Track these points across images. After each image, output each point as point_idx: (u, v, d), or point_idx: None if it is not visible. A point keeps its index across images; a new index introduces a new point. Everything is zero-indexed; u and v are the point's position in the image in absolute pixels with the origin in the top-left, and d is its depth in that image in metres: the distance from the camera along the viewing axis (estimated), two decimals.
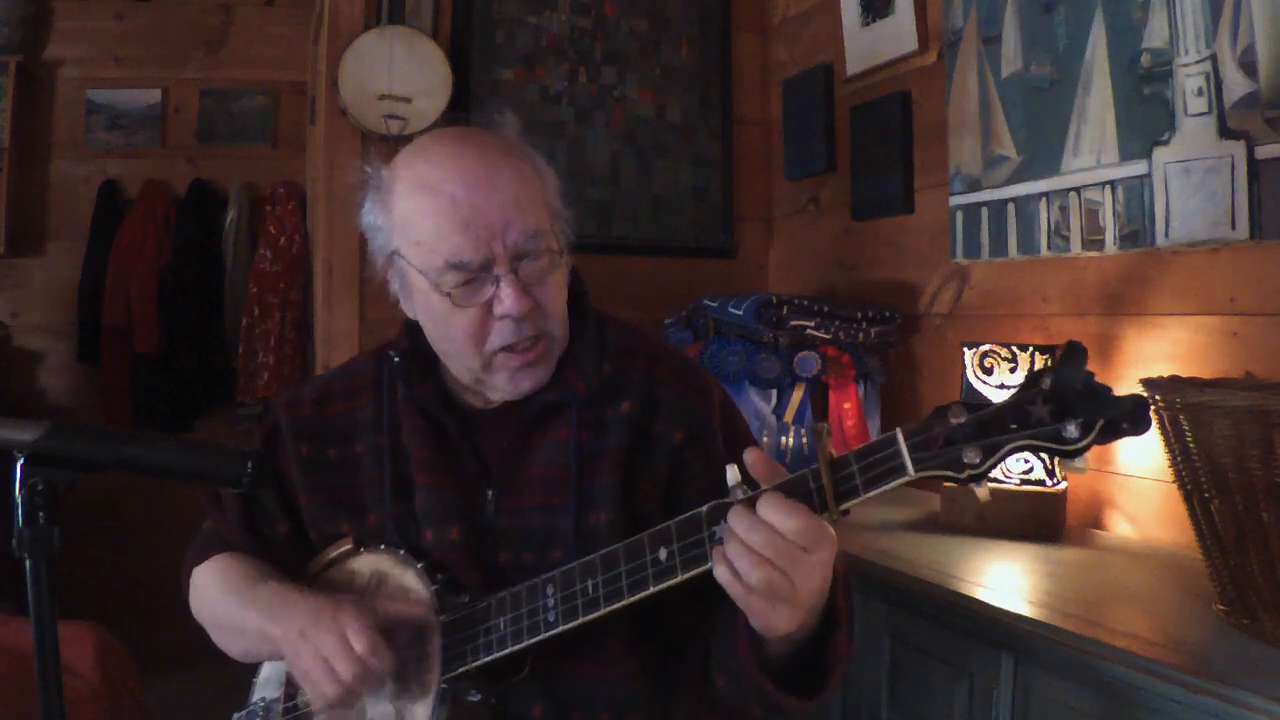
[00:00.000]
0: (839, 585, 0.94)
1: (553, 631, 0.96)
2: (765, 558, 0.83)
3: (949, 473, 0.81)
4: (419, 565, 1.05)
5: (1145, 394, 1.20)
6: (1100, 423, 0.77)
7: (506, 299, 1.01)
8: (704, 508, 0.90)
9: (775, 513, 0.84)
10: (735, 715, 1.08)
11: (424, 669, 1.02)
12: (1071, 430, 0.77)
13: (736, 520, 0.85)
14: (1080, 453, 0.78)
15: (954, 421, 0.81)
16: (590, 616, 0.94)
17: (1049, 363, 1.71)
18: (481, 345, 1.05)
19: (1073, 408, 0.77)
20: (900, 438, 0.83)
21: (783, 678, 0.95)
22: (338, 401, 1.18)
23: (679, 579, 0.90)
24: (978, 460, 0.80)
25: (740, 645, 0.94)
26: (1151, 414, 0.79)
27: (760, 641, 0.93)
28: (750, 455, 0.89)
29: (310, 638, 1.00)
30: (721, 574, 0.86)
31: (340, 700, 0.99)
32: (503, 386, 1.08)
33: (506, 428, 1.10)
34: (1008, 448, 0.80)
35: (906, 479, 0.82)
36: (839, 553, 0.91)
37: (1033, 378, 0.80)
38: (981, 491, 0.82)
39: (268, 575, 1.12)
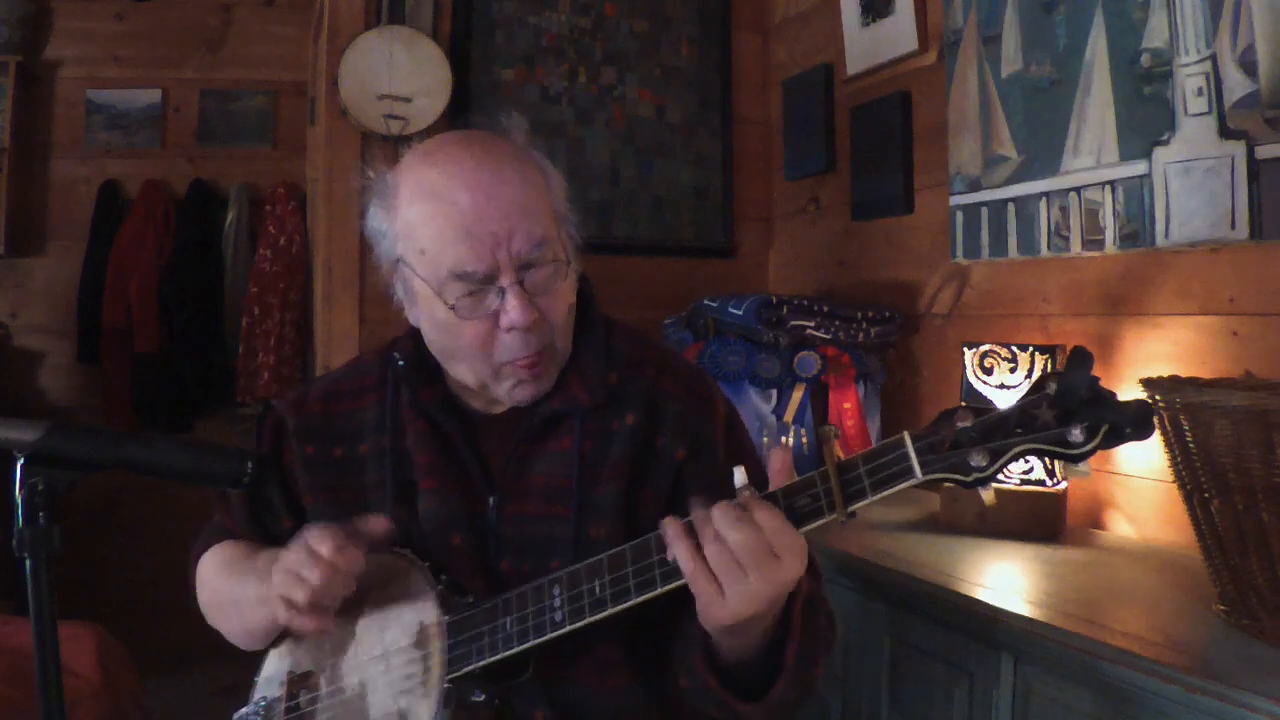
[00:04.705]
0: (798, 603, 0.94)
1: (559, 631, 0.96)
2: (735, 556, 0.85)
3: (956, 476, 0.82)
4: (424, 565, 1.05)
5: (1146, 395, 1.21)
6: (1105, 428, 0.78)
7: (512, 310, 1.00)
8: (711, 509, 0.90)
9: (759, 511, 0.86)
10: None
11: (428, 668, 1.02)
12: (1076, 435, 0.78)
13: (723, 511, 0.86)
14: (1084, 457, 0.78)
15: (960, 425, 0.82)
16: (597, 616, 0.94)
17: (1049, 363, 1.71)
18: (490, 357, 1.04)
19: (1078, 412, 0.78)
20: (908, 441, 0.83)
21: (736, 682, 0.95)
22: (344, 401, 1.18)
23: (686, 579, 0.90)
24: (984, 464, 0.81)
25: (696, 643, 0.95)
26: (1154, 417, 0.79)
27: (711, 641, 0.94)
28: (778, 454, 0.90)
29: (279, 561, 1.00)
30: (682, 551, 0.87)
31: (313, 607, 0.97)
32: (504, 395, 1.08)
33: (510, 434, 1.10)
34: (1013, 451, 0.80)
35: (914, 482, 0.83)
36: (810, 580, 0.94)
37: (1039, 382, 0.81)
38: (987, 495, 0.83)
39: (263, 551, 1.13)
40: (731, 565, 0.85)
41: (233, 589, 1.12)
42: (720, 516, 0.86)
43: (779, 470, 0.90)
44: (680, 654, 1.01)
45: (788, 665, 0.94)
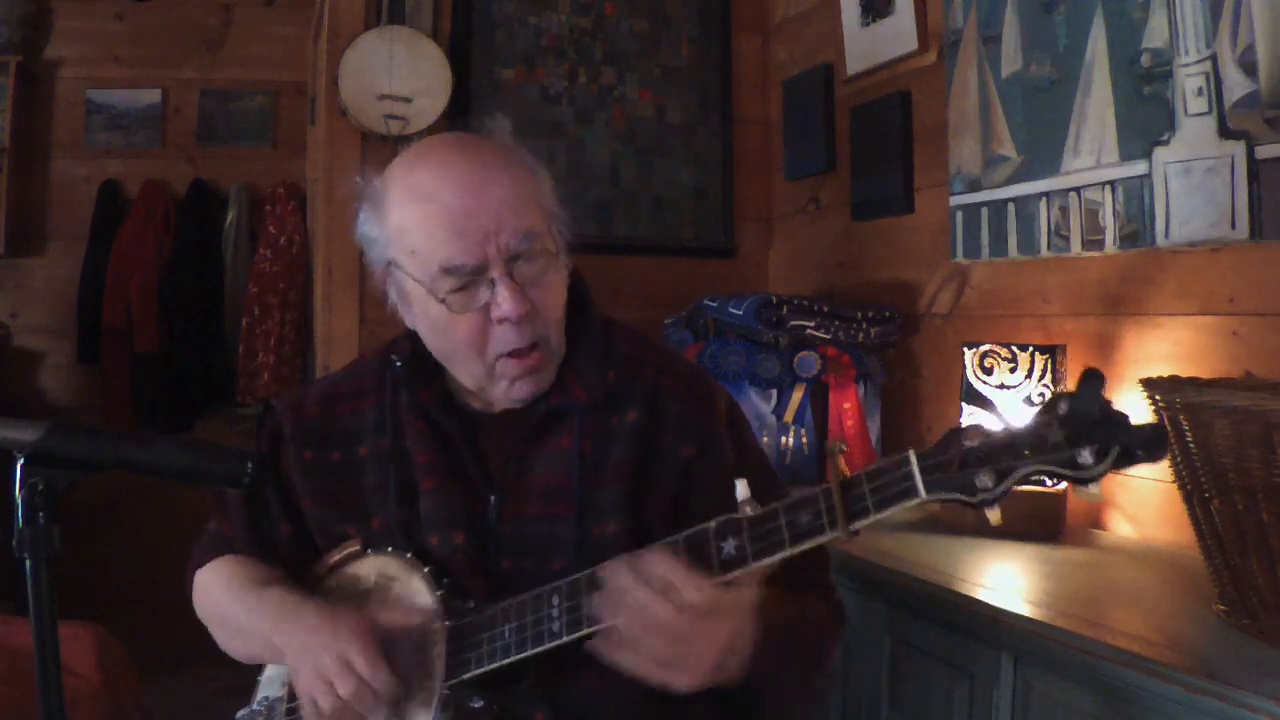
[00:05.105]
0: (770, 647, 0.95)
1: (557, 642, 0.96)
2: (656, 626, 0.87)
3: (961, 496, 0.81)
4: (425, 570, 1.05)
5: (1146, 395, 1.20)
6: (1115, 450, 0.76)
7: (503, 302, 1.01)
8: (712, 523, 0.90)
9: (676, 577, 0.87)
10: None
11: (427, 674, 1.01)
12: (1086, 457, 0.76)
13: (634, 592, 0.87)
14: (1094, 479, 0.77)
15: (968, 444, 0.81)
16: (595, 629, 0.94)
17: (1049, 363, 1.71)
18: (484, 352, 1.04)
19: (1088, 434, 0.77)
20: (913, 459, 0.82)
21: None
22: (342, 404, 1.17)
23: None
24: (990, 484, 0.79)
25: None
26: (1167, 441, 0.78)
27: None
28: None
29: (311, 654, 1.00)
30: (616, 651, 0.89)
31: (338, 716, 0.99)
32: (501, 395, 1.08)
33: (510, 433, 1.10)
34: (1021, 473, 0.79)
35: (918, 501, 0.82)
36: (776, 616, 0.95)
37: (1050, 403, 0.79)
38: (993, 515, 0.81)
39: (272, 581, 1.13)
40: (669, 654, 0.88)
41: (237, 616, 1.12)
42: (647, 609, 0.87)
43: None
44: None
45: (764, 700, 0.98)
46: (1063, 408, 0.78)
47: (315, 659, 0.99)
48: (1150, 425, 0.77)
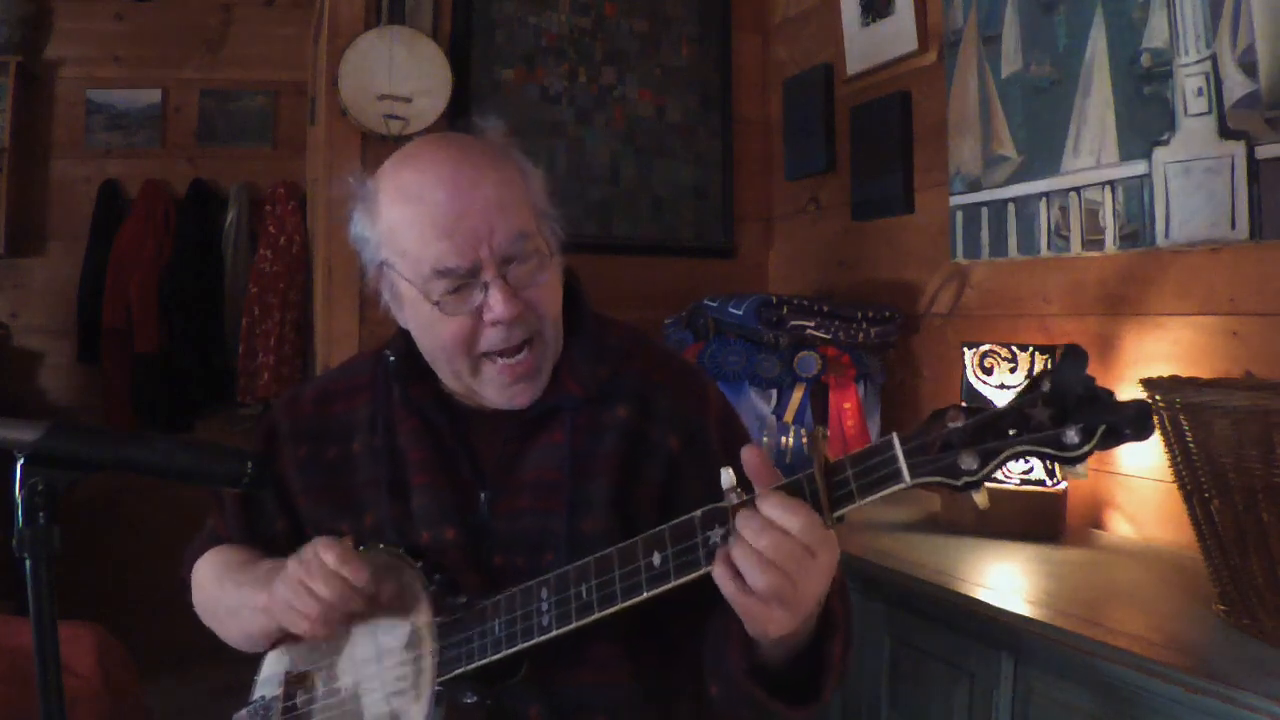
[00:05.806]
0: (835, 591, 0.92)
1: (546, 635, 0.96)
2: (772, 561, 0.81)
3: (946, 480, 0.79)
4: (418, 565, 1.05)
5: (1146, 395, 1.21)
6: (1102, 428, 0.74)
7: (496, 305, 1.01)
8: (698, 512, 0.89)
9: (781, 512, 0.82)
10: None
11: (419, 670, 1.02)
12: (1072, 436, 0.74)
13: (744, 523, 0.83)
14: (1081, 459, 0.75)
15: (951, 426, 0.79)
16: (583, 621, 0.94)
17: (1049, 364, 1.71)
18: (470, 350, 1.04)
19: (1073, 412, 0.75)
20: (896, 443, 0.81)
21: (776, 685, 0.94)
22: (337, 401, 1.18)
23: (672, 584, 0.89)
24: (975, 466, 0.78)
25: (731, 650, 0.93)
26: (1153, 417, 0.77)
27: (752, 646, 0.92)
28: (749, 453, 0.87)
29: (284, 579, 1.01)
30: (721, 576, 0.84)
31: (324, 624, 0.99)
32: (495, 398, 1.08)
33: (501, 429, 1.10)
34: (1006, 454, 0.77)
35: (902, 486, 0.81)
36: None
37: (1033, 381, 0.78)
38: (980, 498, 0.80)
39: (262, 558, 1.14)
40: (778, 583, 0.82)
41: (232, 596, 1.13)
42: (749, 532, 0.82)
43: (757, 468, 0.87)
44: (712, 664, 1.00)
45: (835, 663, 0.93)
46: (1045, 386, 0.76)
47: (290, 572, 1.00)
48: (1135, 402, 0.75)
